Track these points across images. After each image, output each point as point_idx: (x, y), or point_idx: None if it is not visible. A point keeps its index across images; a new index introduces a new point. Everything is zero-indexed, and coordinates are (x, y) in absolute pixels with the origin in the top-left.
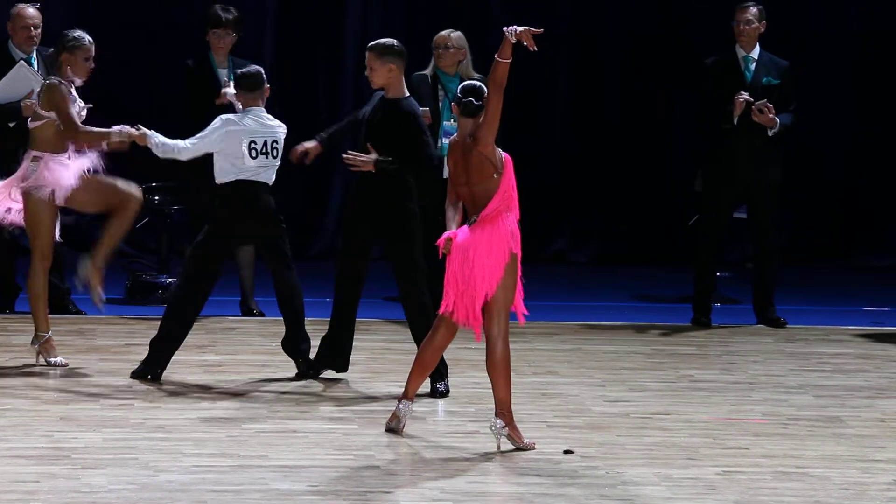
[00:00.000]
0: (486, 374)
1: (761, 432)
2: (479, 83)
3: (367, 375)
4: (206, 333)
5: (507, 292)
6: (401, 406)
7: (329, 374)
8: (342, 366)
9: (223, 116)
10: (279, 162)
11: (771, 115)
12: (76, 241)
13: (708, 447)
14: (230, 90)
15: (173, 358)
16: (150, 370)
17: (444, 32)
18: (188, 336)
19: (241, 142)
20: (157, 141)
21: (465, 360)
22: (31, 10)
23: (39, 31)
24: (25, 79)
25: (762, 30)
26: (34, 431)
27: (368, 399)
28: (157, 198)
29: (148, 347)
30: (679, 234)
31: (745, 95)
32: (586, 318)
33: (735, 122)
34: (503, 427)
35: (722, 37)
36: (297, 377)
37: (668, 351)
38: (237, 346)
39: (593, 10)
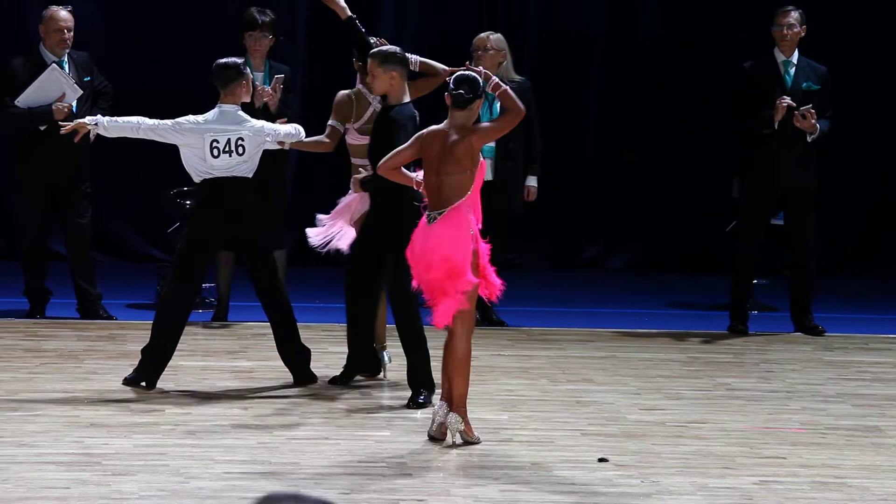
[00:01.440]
0: (501, 380)
1: (799, 441)
2: (472, 74)
3: (398, 381)
4: (238, 339)
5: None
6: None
7: (358, 382)
8: (376, 368)
9: (194, 116)
10: (249, 163)
11: (813, 121)
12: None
13: (745, 456)
14: (267, 88)
15: (205, 363)
16: (144, 376)
17: (483, 34)
18: (219, 342)
19: (204, 140)
20: (104, 123)
21: (499, 367)
22: (63, 13)
23: (72, 34)
24: (57, 82)
25: (802, 34)
26: (65, 437)
27: (401, 406)
28: (188, 202)
29: (140, 354)
30: (716, 241)
31: (788, 100)
32: (621, 325)
33: (776, 126)
34: (460, 422)
35: (757, 41)
36: (297, 385)
37: (704, 359)
38: (268, 353)
39: (628, 14)
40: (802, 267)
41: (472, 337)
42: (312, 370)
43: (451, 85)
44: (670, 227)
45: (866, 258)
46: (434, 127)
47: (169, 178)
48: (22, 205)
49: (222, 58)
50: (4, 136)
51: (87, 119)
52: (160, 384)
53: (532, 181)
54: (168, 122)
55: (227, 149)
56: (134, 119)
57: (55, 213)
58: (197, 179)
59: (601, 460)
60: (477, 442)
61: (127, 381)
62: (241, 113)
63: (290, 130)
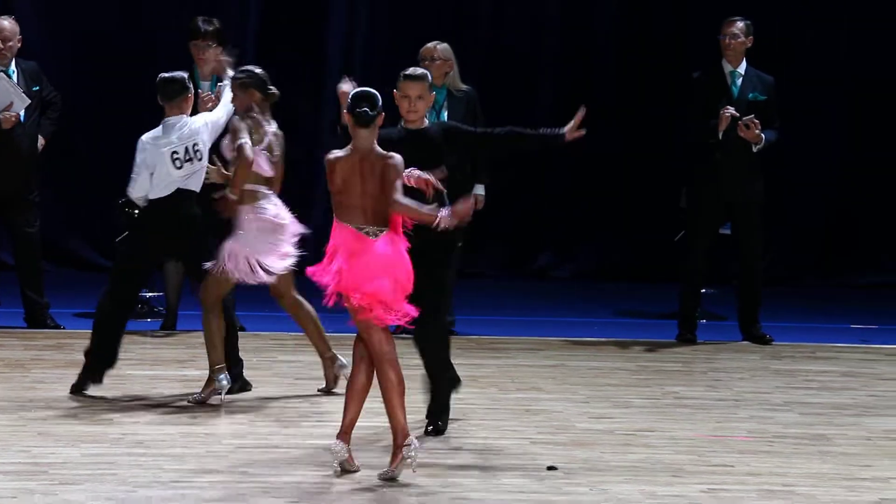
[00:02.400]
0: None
1: (746, 450)
2: (372, 90)
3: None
4: (187, 349)
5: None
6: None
7: (309, 390)
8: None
9: (142, 138)
10: (205, 163)
11: (757, 131)
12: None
13: (693, 464)
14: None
15: (154, 373)
16: (88, 381)
17: (430, 45)
18: (168, 351)
19: (164, 155)
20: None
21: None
22: (4, 23)
23: (12, 44)
24: (5, 91)
25: (749, 45)
26: (11, 447)
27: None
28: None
29: (83, 357)
30: (664, 251)
31: (731, 110)
32: (570, 334)
33: (720, 136)
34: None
35: (711, 52)
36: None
37: (653, 367)
38: None
39: (582, 25)
40: (750, 276)
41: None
42: (247, 378)
43: (350, 101)
44: (620, 237)
45: (814, 268)
46: (338, 153)
47: (118, 187)
48: None
49: (169, 70)
50: None
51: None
52: (108, 394)
53: (479, 189)
54: (140, 162)
55: (187, 157)
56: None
57: (2, 222)
58: (160, 195)
59: (550, 468)
60: (356, 470)
61: (74, 389)
62: (185, 118)
63: (224, 111)
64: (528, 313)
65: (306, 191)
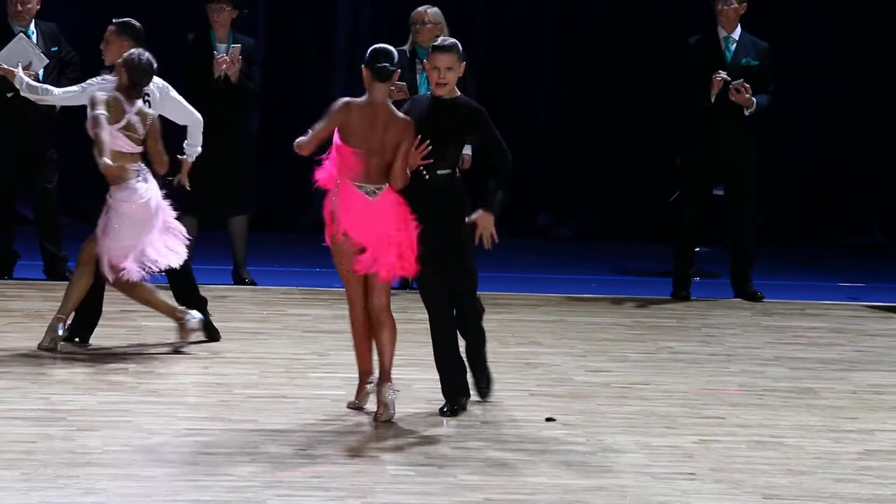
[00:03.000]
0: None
1: (738, 402)
2: (391, 47)
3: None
4: (219, 301)
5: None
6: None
7: (317, 343)
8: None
9: (91, 81)
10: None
11: (748, 95)
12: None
13: (686, 416)
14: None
15: (168, 324)
16: (77, 334)
17: (420, 8)
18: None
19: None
20: (24, 82)
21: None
22: None
23: (31, 5)
24: (24, 51)
25: (742, 11)
26: (31, 394)
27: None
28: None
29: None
30: (660, 211)
31: (723, 74)
32: (569, 290)
33: (713, 100)
34: (397, 391)
35: (709, 17)
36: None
37: (648, 323)
38: (229, 314)
39: None
40: (742, 236)
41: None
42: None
43: (369, 57)
44: (617, 198)
45: (805, 228)
46: (351, 100)
47: None
48: None
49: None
50: None
51: (19, 78)
52: (125, 344)
53: (467, 150)
54: (76, 87)
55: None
56: (44, 87)
57: (22, 178)
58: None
59: (548, 419)
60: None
61: (63, 339)
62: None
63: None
64: (528, 270)
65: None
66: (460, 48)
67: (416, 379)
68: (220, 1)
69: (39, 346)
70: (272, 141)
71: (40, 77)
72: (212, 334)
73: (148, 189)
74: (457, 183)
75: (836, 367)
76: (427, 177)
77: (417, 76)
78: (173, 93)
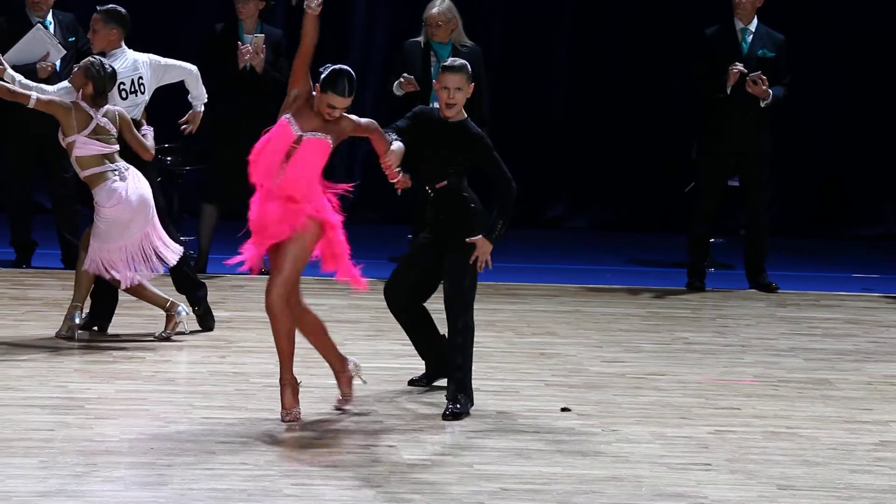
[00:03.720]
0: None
1: (752, 393)
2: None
3: (371, 333)
4: (217, 290)
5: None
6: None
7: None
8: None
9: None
10: (147, 97)
11: (764, 87)
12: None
13: (701, 407)
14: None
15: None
16: (95, 322)
17: (433, 11)
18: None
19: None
20: (13, 76)
21: None
22: None
23: None
24: (41, 41)
25: (759, 3)
26: (50, 382)
27: (373, 355)
28: (169, 158)
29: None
30: (675, 201)
31: (740, 66)
32: (584, 281)
33: (729, 91)
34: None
35: (726, 9)
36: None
37: (663, 314)
38: (246, 304)
39: None
40: (756, 227)
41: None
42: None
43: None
44: (632, 188)
45: (820, 219)
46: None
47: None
48: (8, 160)
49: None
50: None
51: (9, 74)
52: (141, 333)
53: None
54: (61, 84)
55: (132, 89)
56: (34, 85)
57: (41, 167)
58: None
59: (564, 409)
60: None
61: (80, 327)
62: (125, 50)
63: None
64: (544, 261)
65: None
66: (469, 69)
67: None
68: None
69: (57, 335)
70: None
71: (58, 67)
72: (207, 323)
73: (127, 186)
74: (460, 198)
75: (851, 357)
76: (431, 193)
77: (431, 69)
78: (162, 60)
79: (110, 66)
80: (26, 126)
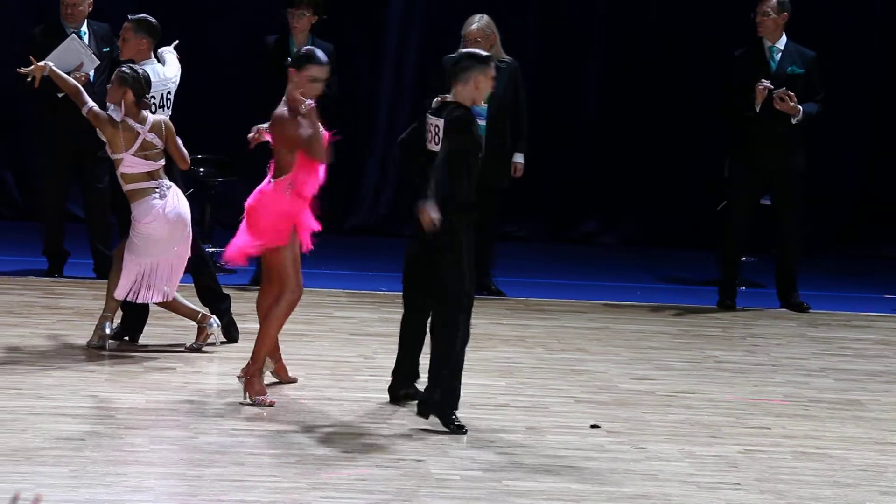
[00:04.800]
0: (498, 347)
1: (783, 413)
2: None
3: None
4: (247, 303)
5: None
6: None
7: (363, 346)
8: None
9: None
10: (171, 112)
11: (792, 104)
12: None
13: (730, 426)
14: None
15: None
16: (126, 332)
17: (473, 27)
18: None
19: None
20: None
21: (498, 335)
22: None
23: (82, 8)
24: (76, 52)
25: (782, 21)
26: (80, 391)
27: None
28: (201, 170)
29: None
30: (707, 219)
31: (766, 83)
32: (615, 298)
33: (757, 109)
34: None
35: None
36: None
37: (693, 332)
38: None
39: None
40: (788, 246)
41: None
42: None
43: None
44: (664, 205)
45: (851, 238)
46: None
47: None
48: (43, 169)
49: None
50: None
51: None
52: (173, 340)
53: (518, 158)
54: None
55: (161, 103)
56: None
57: (75, 177)
58: None
59: (593, 426)
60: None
61: (111, 337)
62: (154, 63)
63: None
64: (574, 277)
65: (363, 149)
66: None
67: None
68: (299, 6)
69: (88, 344)
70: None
71: (91, 78)
72: (231, 334)
73: (165, 204)
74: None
75: (883, 378)
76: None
77: None
78: (170, 53)
79: (143, 69)
80: (62, 135)
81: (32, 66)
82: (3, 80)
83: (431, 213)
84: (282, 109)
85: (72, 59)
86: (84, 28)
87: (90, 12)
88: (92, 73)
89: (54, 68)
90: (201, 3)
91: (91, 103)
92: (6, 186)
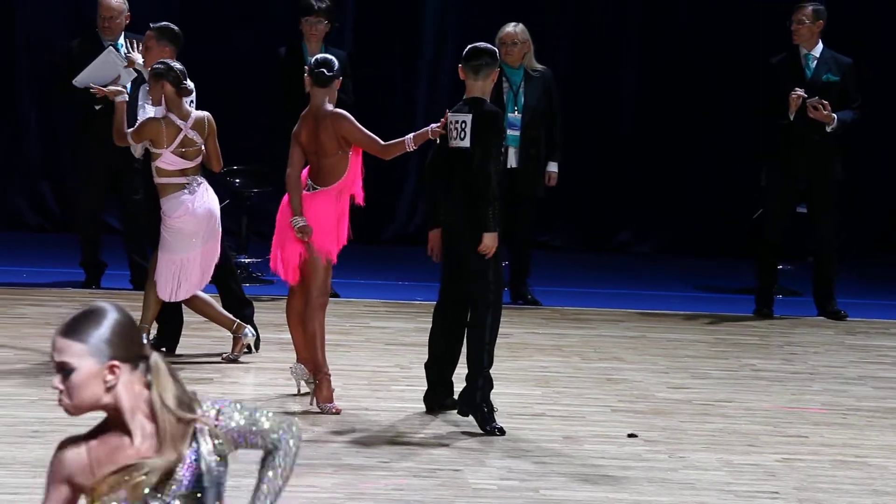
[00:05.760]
0: (535, 357)
1: (821, 421)
2: (330, 56)
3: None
4: (283, 312)
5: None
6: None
7: (399, 356)
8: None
9: (143, 86)
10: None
11: (826, 112)
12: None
13: (768, 435)
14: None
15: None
16: (162, 344)
17: (509, 29)
18: (266, 315)
19: None
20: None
21: (534, 344)
22: (111, 2)
23: (119, 21)
24: (113, 64)
25: (817, 29)
26: None
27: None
28: (237, 181)
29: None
30: (743, 227)
31: (800, 91)
32: (651, 306)
33: (791, 118)
34: (305, 373)
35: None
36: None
37: (730, 340)
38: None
39: (661, 8)
40: (825, 253)
41: (324, 307)
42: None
43: (312, 64)
44: (699, 213)
45: (889, 245)
46: (307, 109)
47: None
48: (80, 181)
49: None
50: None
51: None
52: (209, 351)
53: (553, 167)
54: (141, 112)
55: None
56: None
57: (111, 188)
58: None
59: (630, 436)
60: (330, 412)
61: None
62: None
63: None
64: (610, 286)
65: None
66: None
67: (497, 393)
68: (318, 14)
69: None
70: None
71: (128, 89)
72: (253, 343)
73: (195, 199)
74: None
75: None
76: None
77: (504, 94)
78: None
79: (176, 64)
80: (98, 147)
81: (107, 90)
82: (41, 92)
83: (488, 242)
84: (339, 111)
85: (109, 71)
86: (121, 40)
87: (127, 24)
88: (129, 85)
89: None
90: (231, 12)
91: (133, 144)
92: (43, 197)
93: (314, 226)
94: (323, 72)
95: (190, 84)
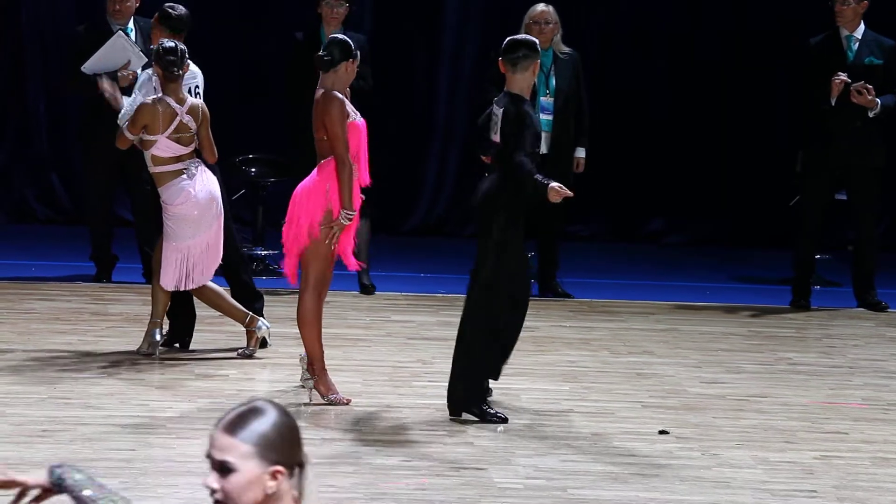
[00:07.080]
0: (562, 351)
1: (861, 417)
2: (342, 38)
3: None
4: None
5: (318, 246)
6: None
7: (421, 350)
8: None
9: (147, 71)
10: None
11: (870, 97)
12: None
13: (806, 431)
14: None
15: (271, 330)
16: (175, 339)
17: (540, 8)
18: (282, 309)
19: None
20: (123, 112)
21: (561, 338)
22: None
23: (130, 3)
24: (122, 49)
25: (863, 9)
26: (130, 400)
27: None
28: (253, 170)
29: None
30: (779, 215)
31: (843, 76)
32: (683, 298)
33: (833, 102)
34: (309, 380)
35: (831, 16)
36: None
37: (766, 333)
38: (332, 320)
39: None
40: (865, 243)
41: (321, 296)
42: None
43: (323, 49)
44: (733, 201)
45: None
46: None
47: (231, 146)
48: (90, 173)
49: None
50: (75, 102)
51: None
52: (223, 349)
53: (580, 153)
54: (141, 86)
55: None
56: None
57: (121, 181)
58: None
59: (662, 432)
60: (339, 402)
61: (161, 344)
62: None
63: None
64: (640, 277)
65: (421, 147)
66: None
67: (523, 389)
68: None
69: (138, 351)
70: (375, 140)
71: (139, 75)
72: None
73: (195, 184)
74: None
75: None
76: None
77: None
78: None
79: (170, 42)
80: (106, 140)
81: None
82: (49, 82)
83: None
84: (332, 95)
85: (118, 56)
86: (130, 25)
87: (137, 8)
88: (139, 70)
89: (120, 103)
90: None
91: (128, 135)
92: (52, 189)
93: (305, 200)
94: (322, 56)
95: (187, 69)
